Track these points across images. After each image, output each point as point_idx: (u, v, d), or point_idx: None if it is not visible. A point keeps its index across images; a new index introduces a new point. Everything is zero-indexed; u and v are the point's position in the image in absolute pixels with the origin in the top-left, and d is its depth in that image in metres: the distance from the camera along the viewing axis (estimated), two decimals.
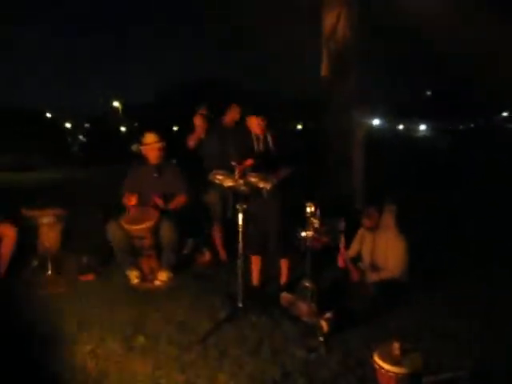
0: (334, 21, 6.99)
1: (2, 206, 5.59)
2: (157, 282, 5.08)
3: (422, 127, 65.96)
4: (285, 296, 4.35)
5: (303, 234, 4.05)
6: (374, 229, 4.77)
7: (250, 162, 4.39)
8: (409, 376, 2.76)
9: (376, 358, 2.90)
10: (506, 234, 6.56)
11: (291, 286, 4.55)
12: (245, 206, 4.19)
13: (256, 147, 4.53)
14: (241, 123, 4.91)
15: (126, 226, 4.98)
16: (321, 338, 3.71)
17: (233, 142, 4.74)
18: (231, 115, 5.71)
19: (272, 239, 4.62)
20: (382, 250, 4.67)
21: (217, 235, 5.85)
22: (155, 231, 5.03)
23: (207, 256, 5.77)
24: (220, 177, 4.26)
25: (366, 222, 4.80)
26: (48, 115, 46.64)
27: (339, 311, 3.97)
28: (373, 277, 4.61)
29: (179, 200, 5.35)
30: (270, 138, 4.51)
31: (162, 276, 5.12)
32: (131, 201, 5.18)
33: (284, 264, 4.83)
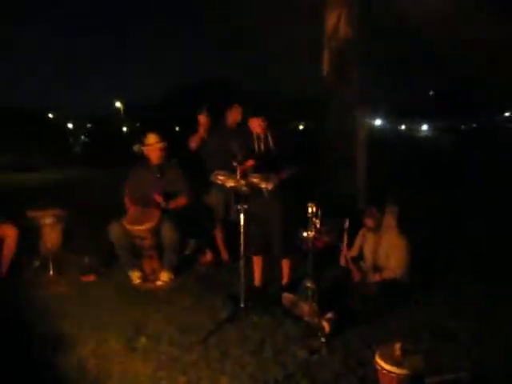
0: (336, 21, 7.00)
1: (4, 207, 5.60)
2: (158, 283, 5.09)
3: (424, 127, 65.91)
4: (286, 296, 4.35)
5: (305, 234, 4.05)
6: (375, 229, 4.76)
7: (251, 162, 4.39)
8: (410, 377, 2.75)
9: (377, 359, 2.89)
10: (508, 233, 6.55)
11: (293, 286, 4.54)
12: (246, 207, 4.19)
13: (257, 147, 4.52)
14: (242, 124, 4.91)
15: (128, 227, 4.98)
16: (322, 339, 3.71)
17: (234, 143, 4.74)
18: (233, 116, 5.69)
19: (274, 239, 4.61)
20: (384, 250, 4.66)
21: (218, 236, 5.85)
22: (156, 232, 5.04)
23: (209, 256, 5.78)
24: (221, 177, 4.27)
25: (368, 222, 4.80)
26: (50, 116, 46.82)
27: (341, 311, 3.97)
28: (374, 277, 4.61)
29: (180, 200, 5.35)
30: (270, 138, 4.51)
31: (164, 276, 5.12)
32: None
33: (286, 264, 4.83)
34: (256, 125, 4.49)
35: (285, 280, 4.84)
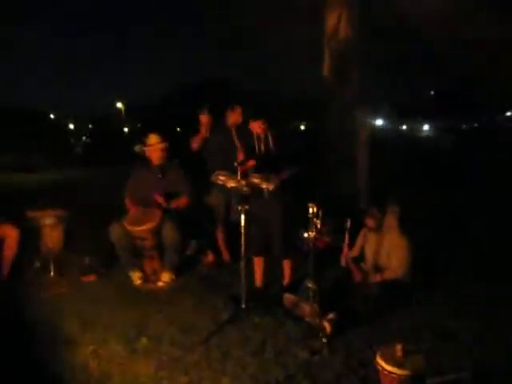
0: (336, 21, 7.00)
1: (5, 208, 5.60)
2: (159, 283, 5.09)
3: (426, 127, 65.90)
4: (288, 297, 4.34)
5: (305, 234, 4.04)
6: (377, 229, 4.76)
7: (252, 162, 4.39)
8: (411, 378, 2.75)
9: (379, 360, 2.89)
10: (509, 233, 6.54)
11: (294, 287, 4.54)
12: (247, 207, 4.19)
13: (257, 148, 4.52)
14: (243, 124, 4.91)
15: (129, 227, 4.98)
16: (324, 339, 3.70)
17: (235, 143, 4.75)
18: (234, 117, 5.68)
19: (274, 240, 4.61)
20: (385, 250, 4.66)
21: (220, 236, 5.85)
22: (157, 232, 5.04)
23: (210, 257, 5.77)
24: (222, 178, 4.27)
25: (369, 222, 4.79)
26: (51, 116, 46.90)
27: (342, 312, 3.96)
28: (375, 277, 4.61)
29: (181, 200, 5.35)
30: (270, 139, 4.50)
31: (165, 277, 5.12)
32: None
33: (287, 265, 4.82)
34: (256, 126, 4.49)
35: (286, 281, 4.83)
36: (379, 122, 64.90)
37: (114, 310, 4.46)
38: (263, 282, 4.87)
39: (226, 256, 5.83)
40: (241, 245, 4.23)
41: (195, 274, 5.43)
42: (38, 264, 5.49)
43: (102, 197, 8.99)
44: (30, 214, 5.43)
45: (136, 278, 5.09)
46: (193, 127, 5.89)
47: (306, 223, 4.02)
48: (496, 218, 7.54)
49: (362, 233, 4.97)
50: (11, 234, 5.17)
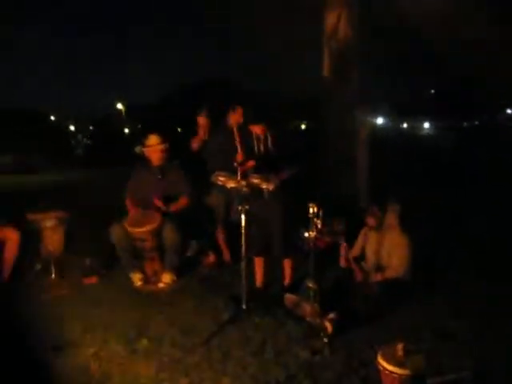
0: (336, 21, 7.00)
1: (6, 210, 5.60)
2: (160, 285, 5.09)
3: (426, 125, 65.89)
4: (288, 297, 4.34)
5: (306, 234, 4.04)
6: (377, 228, 4.76)
7: (251, 163, 4.39)
8: (412, 377, 2.75)
9: (380, 359, 2.89)
10: (510, 232, 6.53)
11: (295, 287, 4.54)
12: (247, 207, 4.19)
13: (256, 148, 4.53)
14: (244, 125, 4.91)
15: (129, 229, 4.98)
16: (325, 339, 3.70)
17: (235, 144, 4.75)
18: (235, 117, 5.67)
19: (275, 240, 4.60)
20: (386, 249, 4.66)
21: (220, 237, 5.84)
22: (158, 233, 5.03)
23: (211, 258, 5.77)
24: (222, 178, 4.27)
25: (370, 220, 4.79)
26: (52, 118, 46.93)
27: (343, 311, 3.96)
28: (376, 276, 4.60)
29: (181, 202, 5.35)
30: (270, 139, 4.51)
31: (166, 278, 5.12)
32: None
33: (287, 265, 4.82)
34: (257, 128, 4.50)
35: (286, 281, 4.83)
36: (380, 121, 64.88)
37: (115, 311, 4.46)
38: (264, 282, 4.87)
39: (226, 256, 5.83)
40: (241, 245, 4.23)
41: (196, 275, 5.43)
42: (38, 266, 5.50)
43: (102, 198, 9.00)
44: (31, 216, 5.44)
45: (137, 279, 5.09)
46: (193, 127, 5.89)
47: (307, 223, 4.03)
48: (496, 217, 7.53)
49: (362, 232, 4.97)
50: (12, 236, 5.17)
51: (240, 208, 4.19)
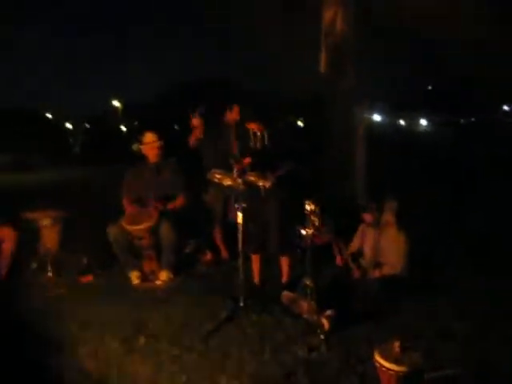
0: (333, 15, 7.02)
1: (3, 208, 5.59)
2: (157, 282, 5.09)
3: (423, 122, 65.91)
4: (286, 294, 4.34)
5: (303, 231, 4.04)
6: (375, 225, 4.76)
7: (248, 160, 4.39)
8: (409, 374, 2.75)
9: (377, 356, 2.88)
10: (507, 227, 6.54)
11: (292, 284, 4.54)
12: (244, 205, 4.18)
13: (253, 145, 4.53)
14: (241, 122, 4.91)
15: (126, 227, 4.98)
16: (322, 336, 3.70)
17: (231, 142, 4.75)
18: (232, 116, 5.68)
19: (272, 237, 4.61)
20: (384, 245, 4.66)
21: (218, 234, 5.84)
22: (155, 231, 5.03)
23: (208, 256, 5.77)
24: (218, 176, 4.27)
25: (367, 217, 4.80)
26: (49, 116, 46.82)
27: (340, 308, 3.96)
28: (374, 273, 4.61)
29: (178, 201, 5.35)
30: (266, 136, 4.50)
31: (163, 276, 5.12)
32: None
33: (284, 262, 4.82)
34: (253, 126, 4.50)
35: (284, 278, 4.83)
36: (377, 118, 64.86)
37: (112, 309, 4.44)
38: (261, 280, 4.87)
39: (224, 254, 5.83)
40: (238, 242, 4.23)
41: (193, 273, 5.43)
42: (34, 265, 5.49)
43: (99, 196, 8.97)
44: (27, 215, 5.43)
45: (134, 277, 5.09)
46: (189, 126, 5.89)
47: (304, 220, 4.03)
48: (494, 212, 7.54)
49: (360, 229, 4.97)
50: (9, 235, 5.17)
51: (236, 206, 4.19)
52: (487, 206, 8.07)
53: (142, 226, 4.95)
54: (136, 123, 45.62)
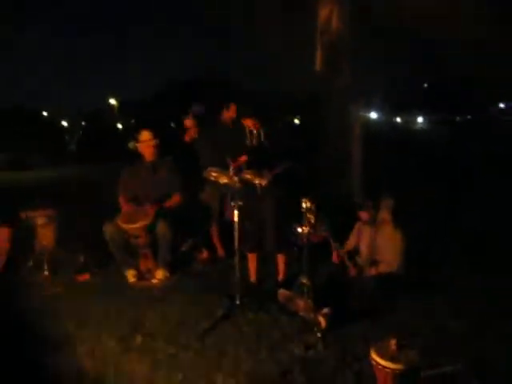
0: (328, 13, 7.02)
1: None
2: (154, 281, 5.08)
3: (420, 120, 65.99)
4: (282, 292, 4.34)
5: (299, 229, 4.04)
6: (371, 223, 4.76)
7: (244, 158, 4.39)
8: (405, 372, 2.75)
9: (373, 354, 2.89)
10: (503, 225, 6.56)
11: (288, 282, 4.54)
12: (240, 203, 4.18)
13: (249, 143, 4.52)
14: (237, 120, 4.91)
15: (122, 225, 4.97)
16: (318, 334, 3.71)
17: (227, 140, 4.75)
18: (229, 114, 5.68)
19: (268, 235, 4.60)
20: (380, 243, 4.66)
21: (214, 233, 5.84)
22: (151, 230, 5.02)
23: (205, 254, 5.77)
24: (214, 174, 4.26)
25: (363, 215, 4.80)
26: (45, 114, 46.69)
27: (336, 306, 3.96)
28: (371, 271, 4.61)
29: (174, 199, 5.34)
30: (262, 134, 4.50)
31: (159, 274, 5.11)
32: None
33: (281, 260, 4.82)
34: (249, 123, 4.49)
35: (280, 276, 4.83)
36: (373, 115, 64.90)
37: (108, 308, 4.44)
38: (257, 278, 4.87)
39: (220, 252, 5.83)
40: (235, 241, 4.23)
41: (189, 271, 5.43)
42: (30, 263, 5.47)
43: (96, 195, 8.96)
44: (24, 213, 5.42)
45: (130, 275, 5.08)
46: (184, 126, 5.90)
47: (300, 218, 4.03)
48: (490, 210, 7.56)
49: (356, 227, 4.97)
50: (4, 233, 5.16)
51: (233, 204, 4.19)
52: (483, 203, 8.09)
53: (137, 225, 4.94)
54: (132, 121, 45.52)
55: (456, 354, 3.41)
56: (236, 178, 4.11)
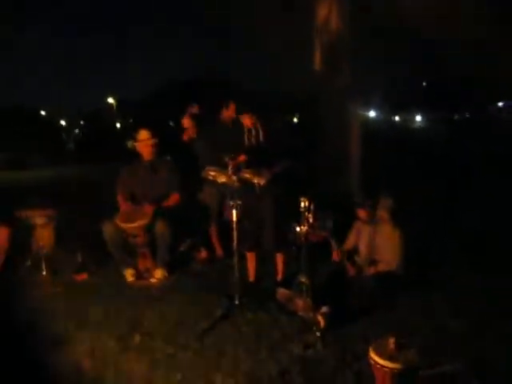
0: (327, 12, 7.00)
1: None
2: (152, 280, 5.08)
3: (418, 118, 66.00)
4: (281, 292, 4.33)
5: (298, 228, 4.03)
6: (369, 221, 4.75)
7: (243, 157, 4.38)
8: (404, 371, 2.74)
9: (371, 354, 2.88)
10: (502, 225, 6.56)
11: (287, 282, 4.54)
12: (239, 202, 4.17)
13: (248, 142, 4.52)
14: (237, 120, 4.91)
15: (121, 225, 4.96)
16: (318, 333, 3.70)
17: (226, 138, 4.74)
18: (228, 113, 5.68)
19: (267, 235, 4.60)
20: (379, 242, 4.65)
21: (213, 232, 5.83)
22: (149, 229, 5.02)
23: (204, 254, 5.76)
24: (213, 173, 4.25)
25: (361, 213, 4.79)
26: (42, 113, 46.64)
27: (336, 306, 3.95)
28: (370, 270, 4.60)
29: (173, 199, 5.33)
30: (261, 133, 4.49)
31: (158, 274, 5.11)
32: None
33: (279, 259, 4.81)
34: (247, 120, 4.48)
35: (279, 275, 4.83)
36: (372, 114, 64.92)
37: (107, 307, 4.43)
38: (256, 277, 4.87)
39: (219, 251, 5.83)
40: (233, 240, 4.23)
41: (188, 271, 5.42)
42: (29, 263, 5.47)
43: (95, 194, 8.95)
44: (22, 213, 5.41)
45: (129, 275, 5.08)
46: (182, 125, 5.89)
47: (298, 217, 4.02)
48: (489, 209, 7.55)
49: (355, 226, 4.96)
50: (3, 233, 5.15)
51: (231, 203, 4.18)
52: (482, 201, 8.09)
53: (136, 224, 4.93)
54: (131, 120, 45.50)
55: (455, 354, 3.41)
56: (234, 177, 4.10)
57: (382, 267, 4.56)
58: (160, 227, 5.03)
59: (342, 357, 3.46)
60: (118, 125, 46.88)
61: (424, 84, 70.79)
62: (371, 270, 4.59)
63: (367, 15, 7.53)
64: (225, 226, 5.17)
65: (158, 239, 5.09)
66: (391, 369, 2.75)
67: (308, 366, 3.36)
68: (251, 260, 4.82)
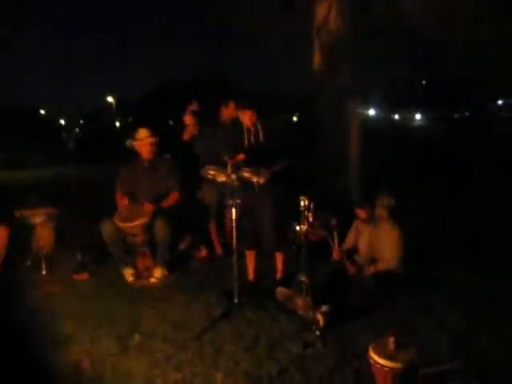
0: (326, 11, 6.99)
1: None
2: (152, 280, 5.07)
3: (418, 116, 65.97)
4: (280, 291, 4.33)
5: (297, 227, 4.03)
6: (369, 220, 4.75)
7: (242, 156, 4.38)
8: (404, 370, 2.74)
9: (371, 353, 2.88)
10: (502, 224, 6.55)
11: (287, 281, 4.54)
12: (238, 201, 4.17)
13: (247, 141, 4.51)
14: (236, 119, 4.91)
15: (120, 224, 4.96)
16: (317, 332, 3.70)
17: (225, 138, 4.73)
18: (228, 112, 5.68)
19: (266, 233, 4.60)
20: (378, 241, 4.65)
21: (213, 231, 5.84)
22: (148, 228, 5.01)
23: (203, 252, 5.76)
24: (212, 172, 4.25)
25: (360, 212, 4.79)
26: (42, 112, 46.62)
27: (335, 305, 3.95)
28: (370, 269, 4.60)
29: (172, 197, 5.32)
30: (260, 132, 4.49)
31: (157, 273, 5.10)
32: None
33: (279, 258, 4.81)
34: (246, 117, 4.48)
35: (278, 274, 4.83)
36: (371, 112, 64.89)
37: (106, 307, 4.44)
38: (255, 276, 4.87)
39: (218, 250, 5.83)
40: (233, 239, 4.22)
41: (188, 270, 5.42)
42: (28, 262, 5.47)
43: (95, 194, 8.95)
44: (21, 212, 5.41)
45: (128, 274, 5.07)
46: (183, 124, 5.89)
47: (298, 216, 4.01)
48: (488, 208, 7.55)
49: (354, 225, 4.97)
50: (2, 233, 5.14)
51: (231, 202, 4.18)
52: (481, 200, 8.09)
53: (135, 223, 4.92)
54: (130, 120, 45.47)
55: (455, 353, 3.41)
56: (234, 176, 4.10)
57: (381, 266, 4.56)
58: (159, 226, 5.03)
59: (341, 356, 3.46)
60: (118, 124, 46.85)
61: (424, 83, 70.78)
62: (371, 269, 4.59)
63: (367, 15, 7.52)
64: (225, 222, 5.18)
65: (157, 238, 5.08)
66: (391, 368, 2.75)
67: (307, 365, 3.36)
68: (251, 259, 4.82)
